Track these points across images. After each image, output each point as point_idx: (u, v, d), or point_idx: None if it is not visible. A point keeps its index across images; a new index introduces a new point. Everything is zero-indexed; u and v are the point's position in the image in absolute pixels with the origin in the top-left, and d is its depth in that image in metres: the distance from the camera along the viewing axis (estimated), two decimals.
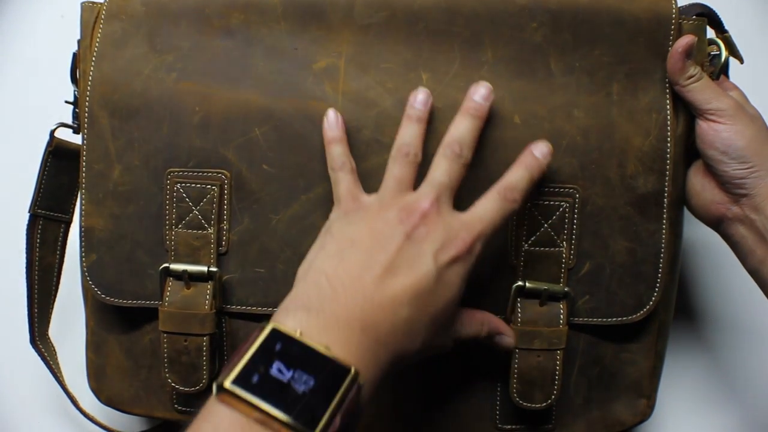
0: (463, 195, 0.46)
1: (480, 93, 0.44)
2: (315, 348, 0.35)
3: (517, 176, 0.43)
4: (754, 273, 0.47)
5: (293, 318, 0.37)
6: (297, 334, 0.35)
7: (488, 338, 0.46)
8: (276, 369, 0.33)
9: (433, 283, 0.39)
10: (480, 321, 0.46)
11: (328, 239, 0.41)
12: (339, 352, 0.35)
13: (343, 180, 0.44)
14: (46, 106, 0.58)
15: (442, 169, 0.42)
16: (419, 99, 0.45)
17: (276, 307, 0.47)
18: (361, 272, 0.38)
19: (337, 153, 0.45)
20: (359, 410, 0.35)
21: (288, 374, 0.33)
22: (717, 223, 0.48)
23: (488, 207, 0.42)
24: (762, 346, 0.60)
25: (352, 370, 0.34)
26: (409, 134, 0.44)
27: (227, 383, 0.33)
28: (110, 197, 0.48)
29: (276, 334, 0.35)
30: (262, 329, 0.35)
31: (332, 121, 0.45)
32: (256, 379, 0.33)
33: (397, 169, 0.43)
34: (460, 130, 0.44)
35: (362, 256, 0.39)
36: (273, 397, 0.32)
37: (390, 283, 0.38)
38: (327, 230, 0.43)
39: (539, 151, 0.44)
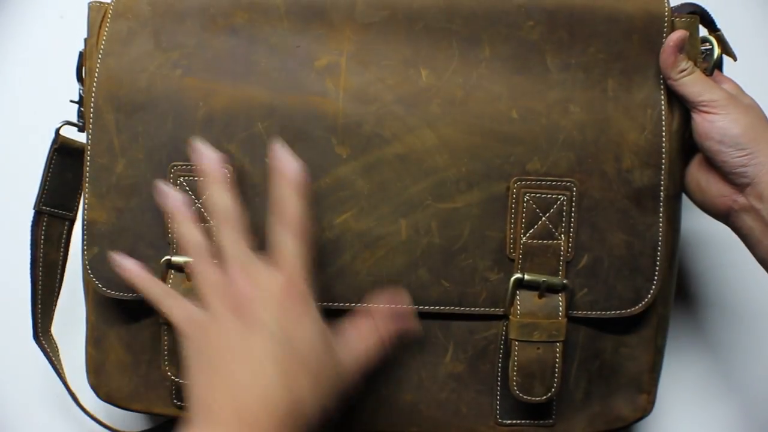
0: (462, 188, 0.47)
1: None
2: None
3: (290, 203, 0.43)
4: (764, 263, 0.47)
5: None
6: None
7: (398, 339, 0.46)
8: None
9: (284, 347, 0.40)
10: (367, 330, 0.45)
11: (196, 364, 0.42)
12: None
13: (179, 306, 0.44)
14: (48, 105, 0.59)
15: (230, 243, 0.43)
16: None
17: None
18: (229, 385, 0.40)
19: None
20: None
21: None
22: (725, 217, 0.48)
23: (286, 244, 0.43)
24: (763, 341, 0.60)
25: None
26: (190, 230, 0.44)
27: None
28: (113, 191, 0.48)
29: None
30: None
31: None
32: None
33: (204, 272, 0.43)
34: (216, 199, 0.44)
35: (226, 372, 0.40)
36: None
37: (249, 377, 0.40)
38: (192, 350, 0.43)
39: (288, 169, 0.44)
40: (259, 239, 0.45)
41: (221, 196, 0.44)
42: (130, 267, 0.46)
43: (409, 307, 0.46)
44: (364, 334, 0.45)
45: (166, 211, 0.46)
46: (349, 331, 0.45)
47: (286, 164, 0.44)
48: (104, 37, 0.49)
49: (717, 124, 0.46)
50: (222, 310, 0.42)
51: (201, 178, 0.45)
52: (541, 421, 0.50)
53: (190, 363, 0.42)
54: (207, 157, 0.45)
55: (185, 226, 0.44)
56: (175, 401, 0.51)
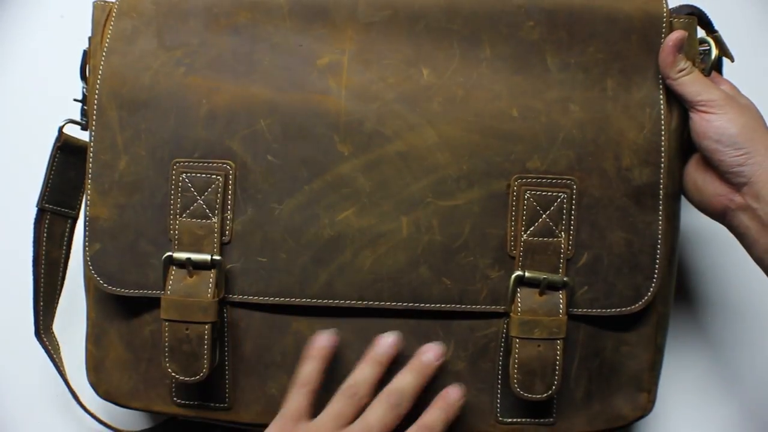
0: (463, 186, 0.47)
1: (430, 354, 0.47)
2: None
3: (433, 416, 0.46)
4: (760, 262, 0.47)
5: None
6: None
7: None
8: None
9: None
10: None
11: None
12: None
13: (297, 398, 0.46)
14: (51, 104, 0.59)
15: (378, 415, 0.45)
16: (387, 342, 0.47)
17: (278, 297, 0.48)
18: None
19: (310, 370, 0.46)
20: None
21: None
22: (722, 216, 0.49)
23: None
24: (763, 340, 0.60)
25: None
26: (363, 375, 0.46)
27: None
28: (116, 187, 0.49)
29: None
30: None
31: (326, 337, 0.47)
32: None
33: (339, 406, 0.45)
34: (404, 382, 0.46)
35: None
36: None
37: None
38: None
39: (453, 395, 0.46)
40: (262, 231, 0.46)
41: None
42: (320, 345, 0.47)
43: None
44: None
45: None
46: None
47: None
48: (108, 36, 0.50)
49: (714, 124, 0.46)
50: None
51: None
52: (542, 420, 0.50)
53: None
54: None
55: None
56: (174, 399, 0.50)
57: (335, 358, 0.48)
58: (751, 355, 0.60)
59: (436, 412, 0.46)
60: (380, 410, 0.45)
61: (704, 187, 0.49)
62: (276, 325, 0.49)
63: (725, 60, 0.51)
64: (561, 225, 0.48)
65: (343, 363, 0.49)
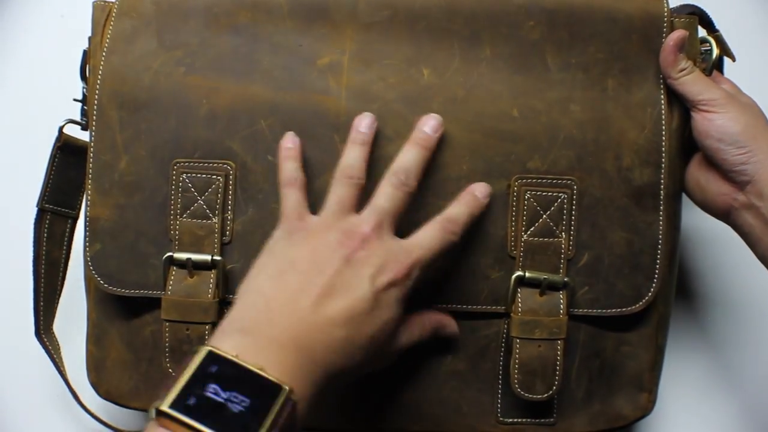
0: (463, 186, 0.47)
1: (429, 125, 0.46)
2: (250, 369, 0.36)
3: (458, 211, 0.45)
4: (764, 260, 0.47)
5: (230, 340, 0.38)
6: (232, 356, 0.36)
7: (433, 334, 0.47)
8: (212, 391, 0.34)
9: (369, 306, 0.41)
10: (419, 324, 0.46)
11: (270, 259, 0.43)
12: (274, 372, 0.36)
13: (291, 197, 0.45)
14: (50, 104, 0.59)
15: (387, 196, 0.44)
16: (364, 123, 0.46)
17: None
18: (298, 294, 0.40)
19: (289, 168, 0.46)
20: (295, 426, 0.36)
21: (224, 395, 0.34)
22: (725, 215, 0.49)
23: (429, 236, 0.44)
24: (764, 340, 0.60)
25: (286, 389, 0.35)
26: (352, 157, 0.45)
27: (164, 407, 0.34)
28: (116, 187, 0.49)
29: (212, 356, 0.36)
30: (197, 352, 0.36)
31: (289, 139, 0.47)
32: (192, 402, 0.34)
33: (340, 191, 0.44)
34: (408, 158, 0.45)
35: (300, 278, 0.41)
36: (209, 418, 0.33)
37: (326, 305, 0.40)
38: (269, 249, 0.44)
39: (480, 191, 0.46)
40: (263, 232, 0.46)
41: (411, 158, 0.45)
42: (288, 141, 0.46)
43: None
44: (415, 325, 0.46)
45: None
46: (405, 321, 0.45)
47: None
48: (108, 36, 0.50)
49: (716, 123, 0.46)
50: (336, 226, 0.43)
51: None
52: (543, 420, 0.50)
53: (267, 260, 0.42)
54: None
55: (353, 152, 0.45)
56: None
57: None
58: (752, 355, 0.60)
59: (461, 207, 0.45)
60: (388, 190, 0.44)
61: (707, 187, 0.49)
62: None
63: (726, 60, 0.51)
64: (561, 225, 0.48)
65: None
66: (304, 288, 0.40)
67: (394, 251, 0.42)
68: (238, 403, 0.34)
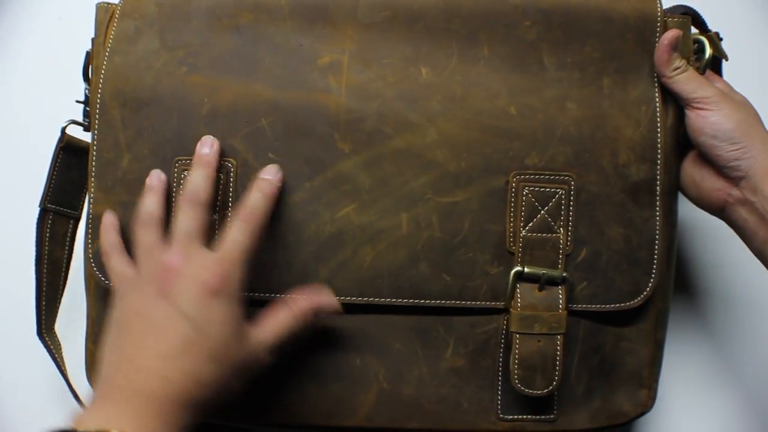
0: (462, 182, 0.48)
1: (269, 173, 0.47)
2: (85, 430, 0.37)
3: (252, 198, 0.46)
4: (759, 255, 0.48)
5: (96, 407, 0.40)
6: (69, 428, 0.37)
7: (316, 318, 0.47)
8: None
9: (194, 330, 0.41)
10: (281, 315, 0.46)
11: (112, 326, 0.44)
12: (125, 423, 0.38)
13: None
14: (53, 105, 0.59)
15: (184, 219, 0.45)
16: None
17: (279, 293, 0.48)
18: (133, 353, 0.41)
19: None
20: None
21: None
22: (720, 211, 0.49)
23: (234, 234, 0.45)
24: (763, 334, 0.60)
25: None
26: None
27: None
28: (119, 185, 0.49)
29: None
30: None
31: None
32: None
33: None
34: (193, 181, 0.46)
35: (133, 338, 0.42)
36: None
37: (153, 350, 0.41)
38: (114, 310, 0.44)
39: (270, 174, 0.47)
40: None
41: (199, 179, 0.46)
42: (106, 219, 0.48)
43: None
44: (277, 319, 0.46)
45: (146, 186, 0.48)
46: (264, 316, 0.46)
47: (265, 168, 0.48)
48: (111, 37, 0.50)
49: (710, 120, 0.47)
50: (148, 275, 0.44)
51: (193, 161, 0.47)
52: (543, 416, 0.50)
53: (109, 325, 0.44)
54: (206, 143, 0.47)
55: (149, 198, 0.47)
56: None
57: (332, 347, 0.48)
58: (751, 349, 0.60)
59: (256, 194, 0.46)
60: (181, 214, 0.45)
61: (702, 183, 0.49)
62: None
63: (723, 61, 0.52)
64: (559, 221, 0.48)
65: (343, 358, 0.49)
66: (136, 346, 0.41)
67: (205, 265, 0.43)
68: None
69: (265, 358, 0.45)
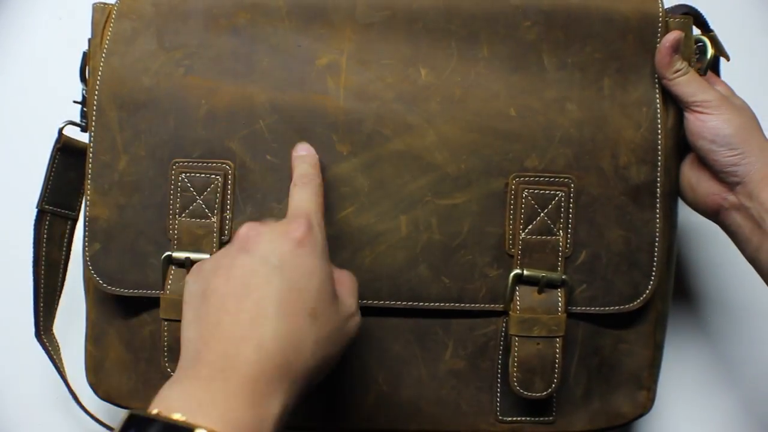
0: (461, 184, 0.48)
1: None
2: (168, 421, 0.33)
3: (300, 168, 0.45)
4: (752, 261, 0.48)
5: (173, 392, 0.35)
6: (153, 413, 0.33)
7: None
8: None
9: (285, 282, 0.37)
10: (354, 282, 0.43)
11: (187, 303, 0.40)
12: (212, 412, 0.33)
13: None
14: (50, 105, 0.59)
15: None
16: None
17: None
18: (218, 321, 0.37)
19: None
20: None
21: None
22: (715, 215, 0.49)
23: (297, 196, 0.42)
24: (762, 337, 0.60)
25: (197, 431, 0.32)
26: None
27: None
28: (116, 187, 0.49)
29: (132, 420, 0.33)
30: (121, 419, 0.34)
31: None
32: None
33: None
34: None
35: (216, 303, 0.37)
36: None
37: (242, 313, 0.36)
38: (186, 287, 0.40)
39: (302, 150, 0.46)
40: None
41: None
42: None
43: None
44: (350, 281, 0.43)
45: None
46: (340, 280, 0.42)
47: (297, 146, 0.47)
48: (108, 37, 0.50)
49: (709, 124, 0.47)
50: (231, 250, 0.39)
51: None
52: (542, 418, 0.50)
53: (185, 305, 0.39)
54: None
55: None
56: None
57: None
58: (750, 351, 0.60)
59: (303, 165, 0.45)
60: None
61: (698, 186, 0.49)
62: None
63: (723, 60, 0.51)
64: (559, 223, 0.48)
65: (342, 360, 0.49)
66: (220, 308, 0.37)
67: (284, 222, 0.40)
68: None
69: (353, 327, 0.41)
